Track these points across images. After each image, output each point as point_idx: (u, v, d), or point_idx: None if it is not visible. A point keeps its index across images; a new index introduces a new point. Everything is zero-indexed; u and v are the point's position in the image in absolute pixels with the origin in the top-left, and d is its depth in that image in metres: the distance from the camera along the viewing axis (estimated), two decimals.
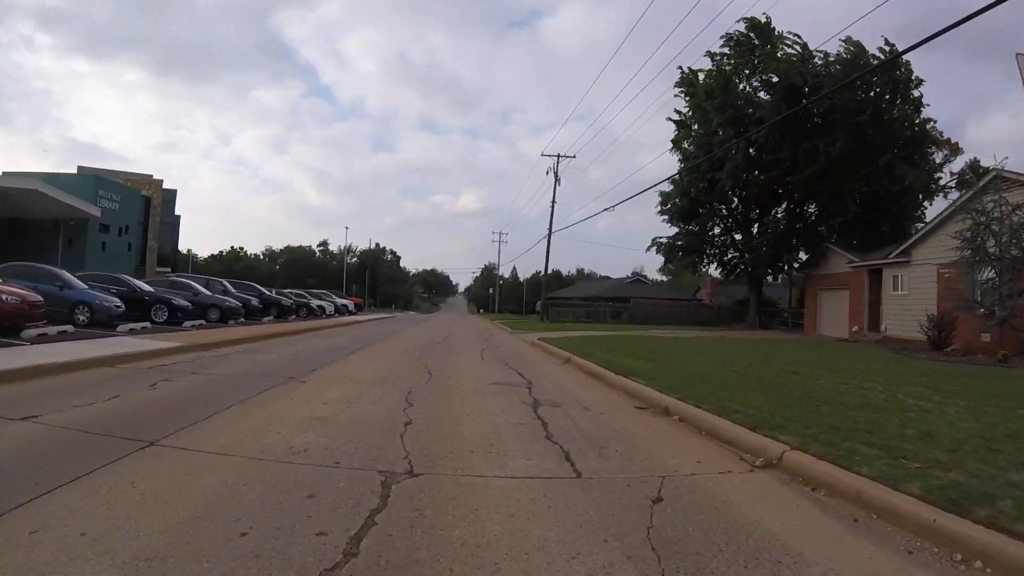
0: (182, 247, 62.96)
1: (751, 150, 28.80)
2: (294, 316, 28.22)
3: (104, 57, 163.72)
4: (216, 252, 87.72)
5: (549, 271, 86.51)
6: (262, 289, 28.86)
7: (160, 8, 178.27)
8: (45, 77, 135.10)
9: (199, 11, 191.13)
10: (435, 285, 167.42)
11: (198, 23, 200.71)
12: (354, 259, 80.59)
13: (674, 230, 34.51)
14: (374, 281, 78.86)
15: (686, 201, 32.21)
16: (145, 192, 44.29)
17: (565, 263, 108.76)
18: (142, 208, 43.08)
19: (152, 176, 50.23)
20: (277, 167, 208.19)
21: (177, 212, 56.63)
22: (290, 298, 30.22)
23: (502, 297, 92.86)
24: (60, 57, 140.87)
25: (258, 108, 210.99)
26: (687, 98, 32.08)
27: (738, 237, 34.09)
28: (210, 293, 22.75)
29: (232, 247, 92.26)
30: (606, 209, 68.63)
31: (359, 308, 41.35)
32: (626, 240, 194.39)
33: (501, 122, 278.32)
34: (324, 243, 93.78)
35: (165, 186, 49.18)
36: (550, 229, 34.64)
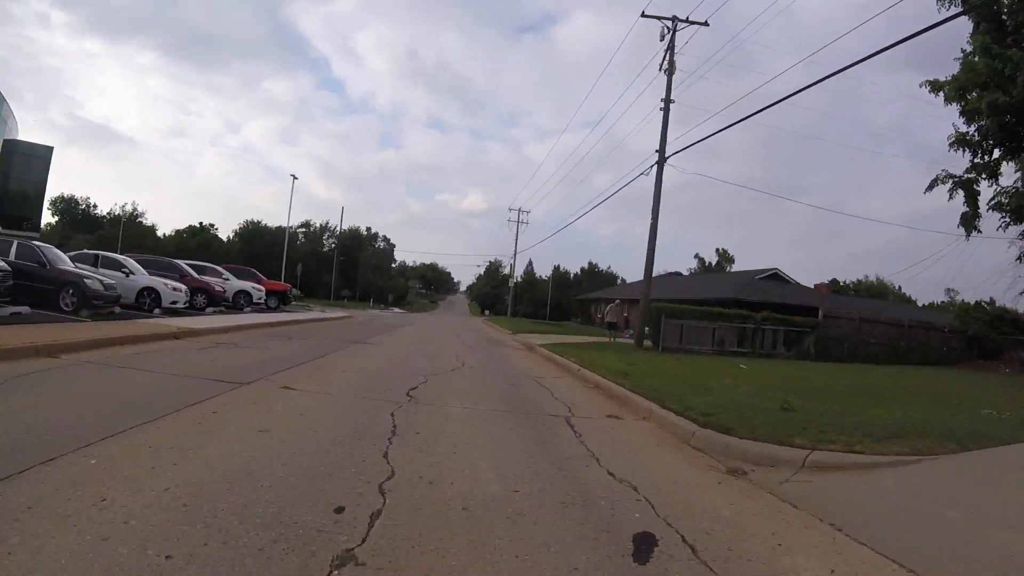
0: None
1: None
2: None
3: (118, 38, 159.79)
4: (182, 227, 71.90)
5: (576, 268, 70.54)
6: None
7: None
8: (58, 55, 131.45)
9: None
10: (434, 281, 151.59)
11: (212, 9, 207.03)
12: (330, 239, 64.55)
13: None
14: (354, 268, 62.65)
15: None
16: None
17: (569, 264, 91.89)
18: None
19: None
20: (284, 157, 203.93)
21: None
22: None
23: (516, 296, 76.94)
24: (74, 35, 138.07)
25: (268, 98, 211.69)
26: None
27: None
28: None
29: (201, 223, 76.64)
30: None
31: (283, 300, 25.08)
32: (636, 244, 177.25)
33: (508, 124, 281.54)
34: (306, 223, 77.53)
35: None
36: (661, 152, 17.06)
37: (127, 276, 16.58)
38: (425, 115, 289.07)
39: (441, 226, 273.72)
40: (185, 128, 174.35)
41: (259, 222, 63.46)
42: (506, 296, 78.72)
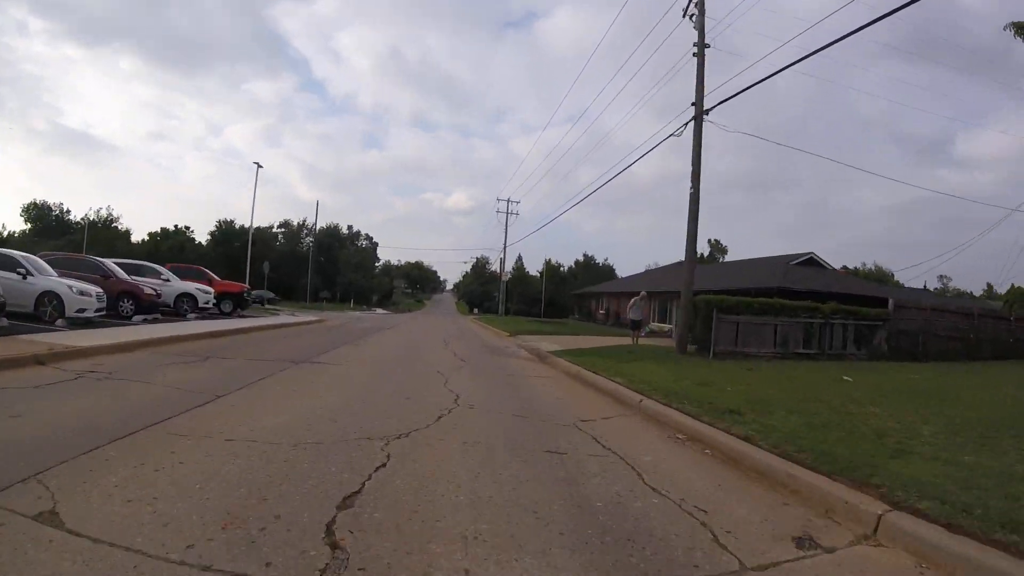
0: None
1: None
2: None
3: (97, 44, 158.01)
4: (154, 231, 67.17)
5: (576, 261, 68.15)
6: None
7: None
8: (37, 62, 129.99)
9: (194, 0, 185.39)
10: (420, 280, 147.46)
11: (193, 12, 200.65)
12: (308, 237, 60.18)
13: None
14: (334, 268, 58.58)
15: None
16: None
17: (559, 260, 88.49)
18: None
19: None
20: (268, 159, 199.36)
21: None
22: None
23: (507, 292, 73.32)
24: (52, 42, 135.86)
25: (250, 100, 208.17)
26: None
27: None
28: None
29: (175, 226, 72.01)
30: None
31: (239, 303, 21.14)
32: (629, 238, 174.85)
33: (494, 121, 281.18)
34: (285, 222, 72.88)
35: None
36: (698, 105, 13.43)
37: (24, 278, 12.69)
38: (409, 114, 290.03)
39: (427, 225, 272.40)
40: (167, 132, 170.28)
41: (231, 221, 58.84)
42: (495, 293, 74.92)
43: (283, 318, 22.04)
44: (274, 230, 71.75)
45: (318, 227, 62.62)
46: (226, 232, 57.35)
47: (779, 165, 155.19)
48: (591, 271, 67.33)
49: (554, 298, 60.50)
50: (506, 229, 49.09)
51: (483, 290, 78.75)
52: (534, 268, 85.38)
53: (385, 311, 54.27)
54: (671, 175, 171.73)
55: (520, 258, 74.35)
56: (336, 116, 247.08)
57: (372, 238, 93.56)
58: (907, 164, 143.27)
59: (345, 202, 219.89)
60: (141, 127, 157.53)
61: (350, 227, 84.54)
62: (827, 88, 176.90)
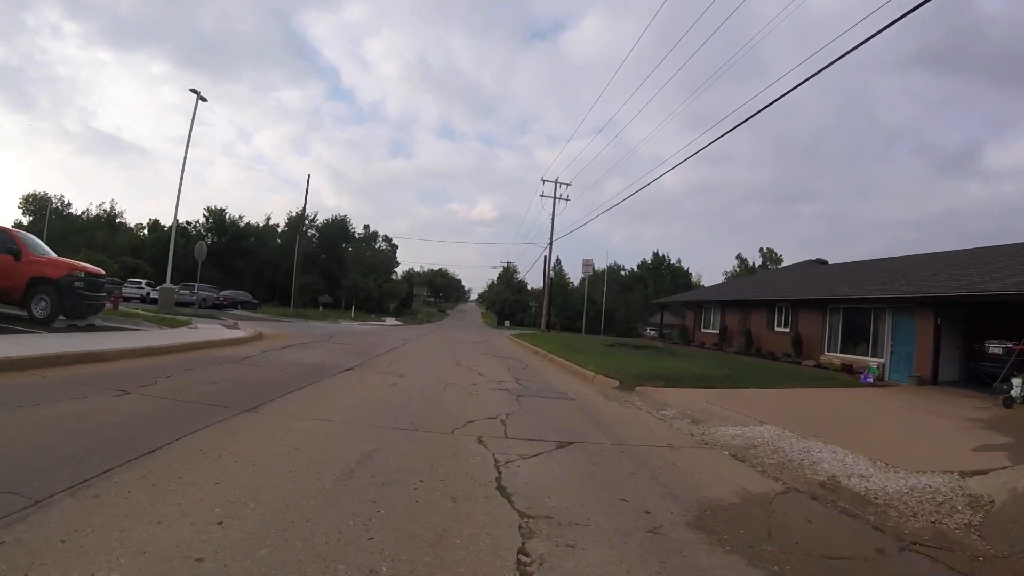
0: None
1: None
2: None
3: (128, 48, 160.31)
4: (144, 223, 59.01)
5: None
6: None
7: (186, 1, 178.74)
8: (70, 65, 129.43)
9: (225, 7, 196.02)
10: (444, 288, 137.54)
11: (223, 19, 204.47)
12: (310, 229, 50.06)
13: None
14: (339, 267, 48.59)
15: None
16: None
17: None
18: None
19: None
20: (296, 166, 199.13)
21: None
22: None
23: (532, 305, 62.25)
24: (85, 45, 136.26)
25: (279, 107, 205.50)
26: None
27: None
28: None
29: (158, 221, 63.69)
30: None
31: (67, 300, 10.38)
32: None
33: (518, 131, 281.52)
34: (301, 215, 61.97)
35: None
36: None
37: None
38: (436, 122, 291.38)
39: (451, 233, 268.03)
40: (197, 137, 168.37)
41: (223, 210, 48.97)
42: (531, 303, 63.74)
43: (156, 336, 11.58)
44: (282, 229, 62.08)
45: (325, 220, 52.75)
46: (217, 223, 47.61)
47: (801, 176, 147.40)
48: (665, 275, 55.22)
49: (613, 310, 49.12)
50: (552, 218, 38.28)
51: (515, 300, 67.89)
52: (573, 275, 74.39)
53: (398, 321, 43.85)
54: (693, 188, 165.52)
55: (559, 262, 63.02)
56: (363, 124, 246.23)
57: (392, 240, 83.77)
58: (929, 177, 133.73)
59: (370, 209, 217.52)
60: (171, 131, 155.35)
61: (367, 226, 74.82)
62: (848, 101, 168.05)
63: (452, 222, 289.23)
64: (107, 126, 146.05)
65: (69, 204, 63.23)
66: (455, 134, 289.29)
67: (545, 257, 39.38)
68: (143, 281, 33.54)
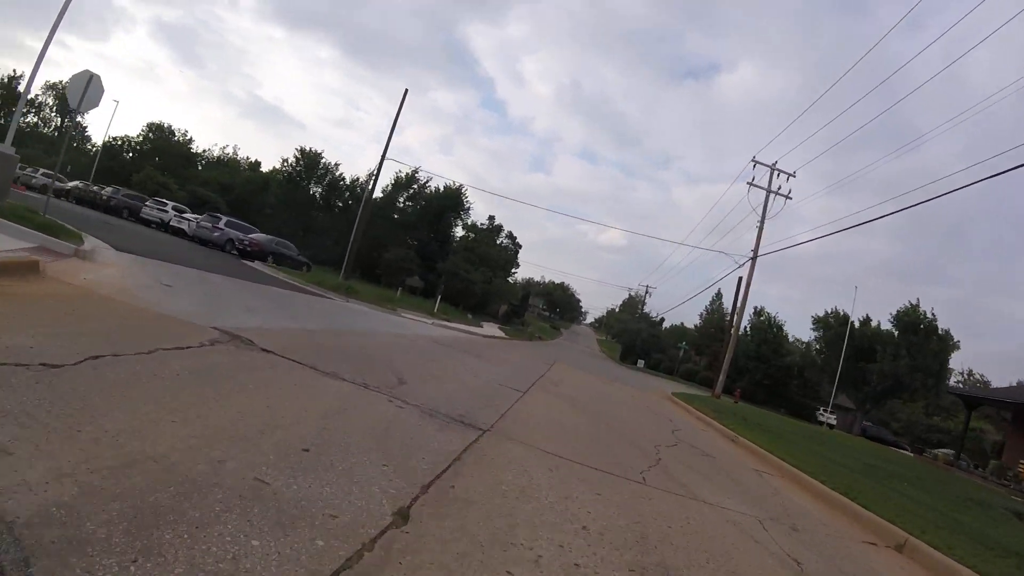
0: None
1: None
2: None
3: (299, 29, 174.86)
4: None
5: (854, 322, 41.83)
6: None
7: None
8: (242, 36, 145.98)
9: (392, 8, 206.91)
10: (562, 304, 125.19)
11: (391, 18, 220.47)
12: (414, 192, 39.82)
13: None
14: (440, 248, 38.14)
15: None
16: None
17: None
18: None
19: None
20: (439, 163, 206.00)
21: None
22: None
23: (683, 347, 47.17)
24: (259, 20, 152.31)
25: (432, 107, 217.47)
26: None
27: None
28: None
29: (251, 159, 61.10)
30: None
31: None
32: None
33: (659, 165, 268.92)
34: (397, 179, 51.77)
35: None
36: None
37: None
38: (578, 145, 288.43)
39: (577, 254, 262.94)
40: (352, 121, 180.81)
41: (319, 153, 40.56)
42: (681, 344, 48.64)
43: None
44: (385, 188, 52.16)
45: (436, 187, 42.57)
46: (308, 163, 39.42)
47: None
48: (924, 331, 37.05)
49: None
50: (762, 220, 24.08)
51: (651, 334, 53.33)
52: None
53: (502, 331, 32.22)
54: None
55: (759, 311, 45.85)
56: (510, 135, 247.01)
57: (516, 238, 73.16)
58: None
59: (500, 216, 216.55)
60: (327, 112, 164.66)
61: (491, 217, 64.59)
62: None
63: (579, 243, 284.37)
64: (269, 96, 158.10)
65: (192, 140, 59.56)
66: (595, 157, 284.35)
67: (740, 279, 25.12)
68: (169, 204, 25.22)
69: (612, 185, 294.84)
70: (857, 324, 38.62)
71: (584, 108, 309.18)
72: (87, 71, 9.71)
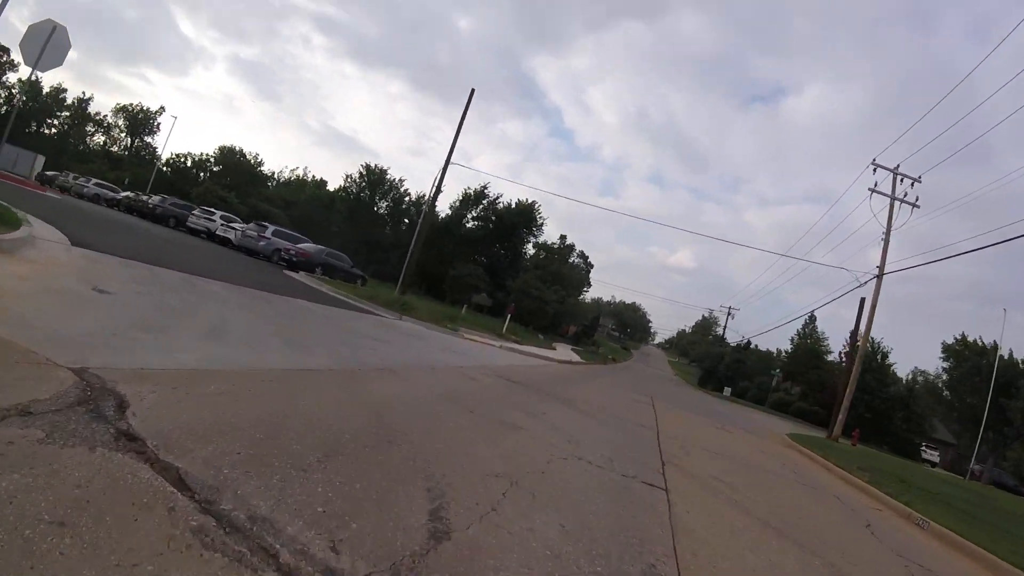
0: None
1: None
2: None
3: (371, 66, 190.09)
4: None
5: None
6: None
7: (426, 34, 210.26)
8: (316, 72, 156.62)
9: (460, 44, 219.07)
10: (632, 324, 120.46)
11: (459, 54, 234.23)
12: (483, 210, 37.83)
13: None
14: (511, 265, 35.95)
15: None
16: None
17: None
18: None
19: None
20: (509, 189, 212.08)
21: None
22: None
23: (775, 372, 42.40)
24: (331, 58, 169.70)
25: (501, 136, 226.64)
26: None
27: None
28: None
29: (312, 175, 64.34)
30: None
31: None
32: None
33: (729, 189, 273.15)
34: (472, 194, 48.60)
35: None
36: None
37: None
38: (647, 169, 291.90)
39: (647, 276, 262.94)
40: (424, 151, 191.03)
41: (385, 171, 39.56)
42: (774, 370, 43.75)
43: None
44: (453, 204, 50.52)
45: (508, 203, 40.64)
46: (373, 180, 38.46)
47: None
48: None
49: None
50: (888, 229, 20.02)
51: (736, 359, 48.49)
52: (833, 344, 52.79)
53: (576, 352, 29.42)
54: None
55: (879, 345, 40.10)
56: (579, 161, 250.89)
57: (588, 257, 70.32)
58: None
59: (571, 239, 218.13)
60: (400, 142, 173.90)
61: (563, 237, 61.86)
62: None
63: (649, 264, 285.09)
64: (344, 127, 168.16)
65: (261, 163, 61.47)
66: (664, 182, 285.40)
67: (861, 301, 21.10)
68: (218, 213, 24.50)
69: (683, 207, 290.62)
70: (1006, 356, 32.69)
71: (651, 134, 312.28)
72: (49, 20, 8.02)
